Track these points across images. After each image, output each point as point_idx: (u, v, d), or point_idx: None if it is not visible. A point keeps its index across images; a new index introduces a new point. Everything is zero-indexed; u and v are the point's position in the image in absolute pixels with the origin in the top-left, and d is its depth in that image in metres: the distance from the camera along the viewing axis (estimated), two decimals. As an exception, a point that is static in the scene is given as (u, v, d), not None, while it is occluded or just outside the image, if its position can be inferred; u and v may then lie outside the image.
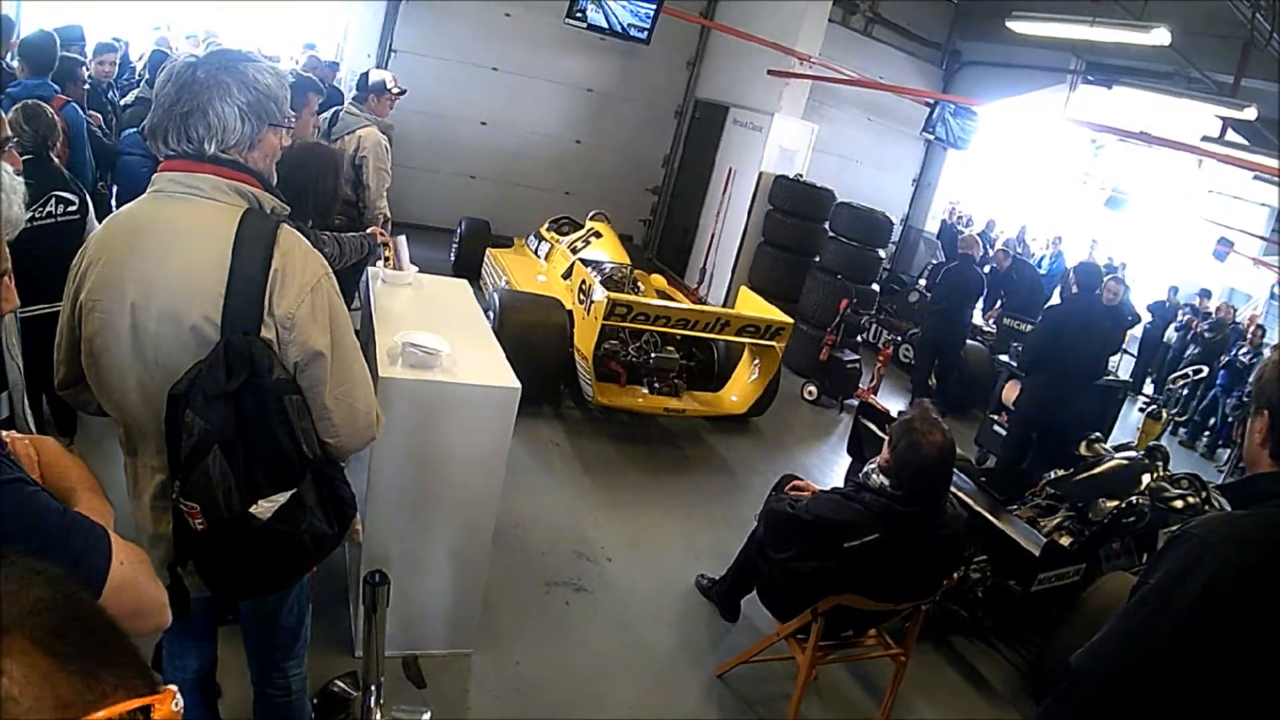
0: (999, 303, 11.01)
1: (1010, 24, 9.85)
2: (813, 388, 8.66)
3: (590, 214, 8.77)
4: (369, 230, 3.99)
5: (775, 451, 7.17)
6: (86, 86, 6.27)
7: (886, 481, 3.26)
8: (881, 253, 9.92)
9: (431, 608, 3.57)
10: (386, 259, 4.45)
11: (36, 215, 3.56)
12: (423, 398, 3.19)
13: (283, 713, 2.55)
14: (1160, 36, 8.00)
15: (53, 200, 3.64)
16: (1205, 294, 14.33)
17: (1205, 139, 8.97)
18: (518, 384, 3.38)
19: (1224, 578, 1.69)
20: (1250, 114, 8.78)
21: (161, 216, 1.91)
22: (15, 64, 5.31)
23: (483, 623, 3.83)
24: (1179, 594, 1.72)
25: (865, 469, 3.45)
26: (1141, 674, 1.77)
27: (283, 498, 1.86)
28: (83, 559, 1.34)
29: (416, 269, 4.34)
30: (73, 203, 3.69)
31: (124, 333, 1.87)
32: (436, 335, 3.32)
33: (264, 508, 1.83)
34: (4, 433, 1.45)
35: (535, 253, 8.86)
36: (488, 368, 3.46)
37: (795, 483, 4.08)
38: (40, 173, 3.74)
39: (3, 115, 2.36)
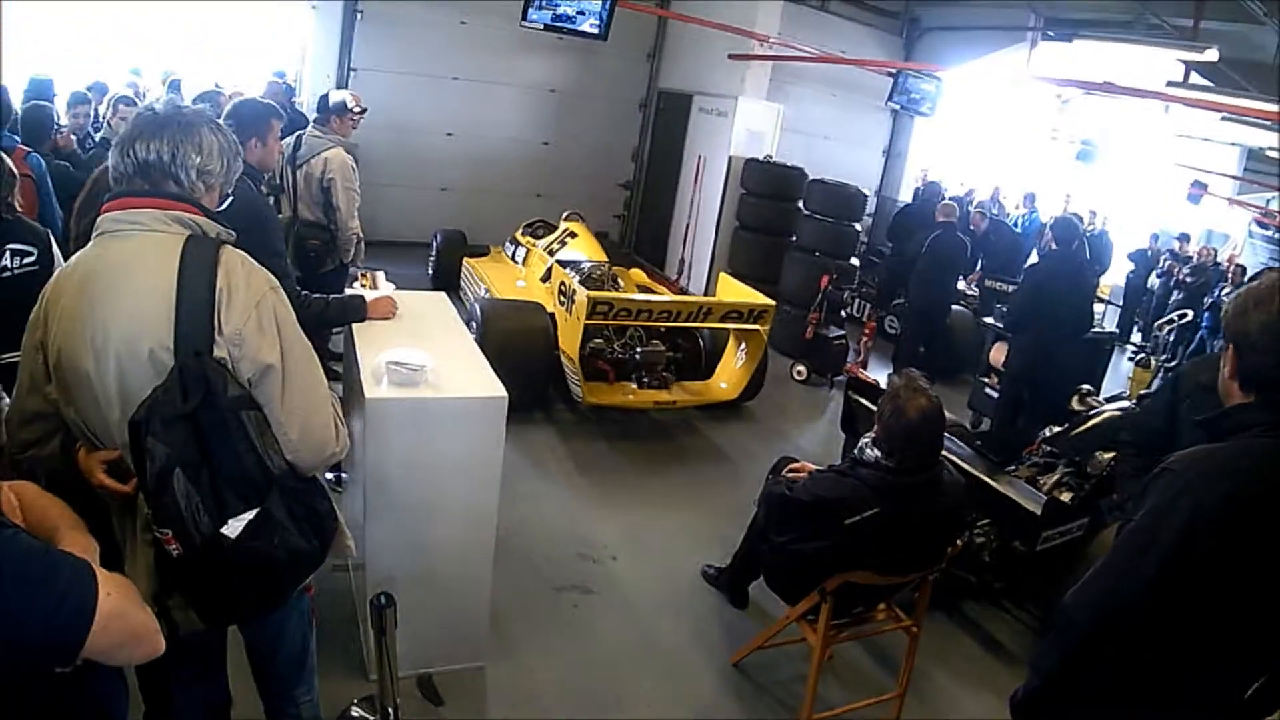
0: (979, 265, 11.03)
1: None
2: (801, 367, 8.67)
3: (564, 214, 8.75)
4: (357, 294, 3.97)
5: (770, 435, 7.17)
6: (63, 132, 6.26)
7: (880, 454, 3.26)
8: (857, 226, 9.91)
9: (441, 624, 3.54)
10: (363, 281, 4.43)
11: None
12: (411, 415, 3.17)
13: None
14: (1116, -19, 8.03)
15: (7, 254, 3.57)
16: (1184, 238, 14.40)
17: (1170, 84, 8.96)
18: (504, 392, 3.35)
19: (1205, 509, 1.73)
20: (1212, 55, 8.78)
21: (107, 256, 1.94)
22: None
23: (493, 634, 3.82)
24: (1163, 529, 1.76)
25: (859, 444, 3.44)
26: (1131, 609, 1.81)
27: (251, 515, 1.88)
28: (69, 595, 1.36)
29: (394, 286, 4.32)
30: (30, 253, 3.62)
31: (91, 375, 1.89)
32: (419, 350, 3.30)
33: (234, 526, 1.85)
34: None
35: (513, 258, 8.84)
36: (473, 379, 3.44)
37: (792, 465, 4.07)
38: None
39: None
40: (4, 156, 3.68)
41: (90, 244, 1.98)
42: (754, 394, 7.24)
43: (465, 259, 9.08)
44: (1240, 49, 9.79)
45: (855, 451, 3.43)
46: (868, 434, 3.42)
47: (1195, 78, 9.58)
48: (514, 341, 6.22)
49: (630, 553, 4.96)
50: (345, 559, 3.98)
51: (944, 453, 3.45)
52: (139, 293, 1.88)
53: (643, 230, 13.27)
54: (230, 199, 2.18)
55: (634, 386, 6.72)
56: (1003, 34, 12.34)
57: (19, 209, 3.71)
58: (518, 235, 8.99)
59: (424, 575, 3.41)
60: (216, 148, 2.05)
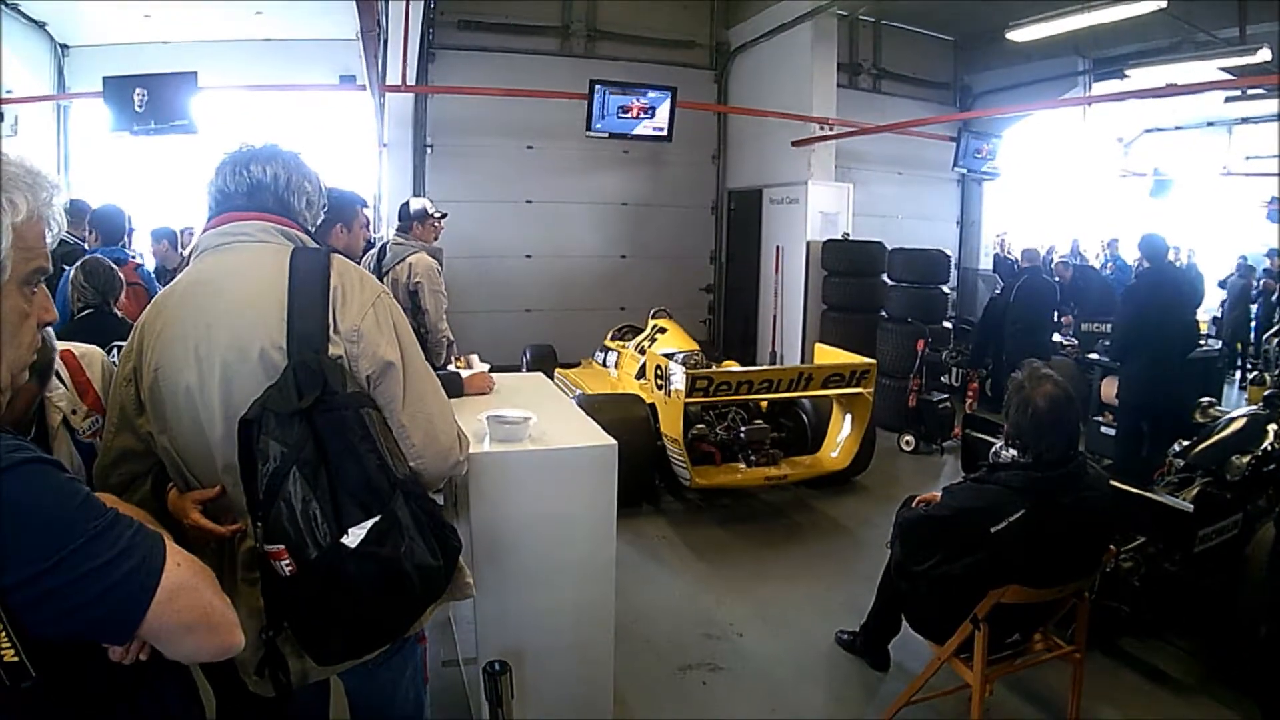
0: (1071, 315, 10.73)
1: (1010, 35, 9.77)
2: (909, 437, 8.37)
3: (651, 312, 8.72)
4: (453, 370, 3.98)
5: (886, 503, 6.78)
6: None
7: (1015, 454, 3.05)
8: (945, 289, 9.75)
9: (562, 699, 3.27)
10: (458, 364, 4.43)
11: None
12: (517, 470, 3.02)
13: None
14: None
15: (114, 350, 3.68)
16: (1273, 254, 14.16)
17: (1229, 100, 8.80)
18: (613, 441, 3.23)
19: None
20: (1264, 55, 8.67)
21: (210, 268, 1.89)
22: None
23: (619, 717, 3.58)
24: None
25: (992, 449, 3.23)
26: None
27: (374, 520, 1.67)
28: (132, 550, 1.18)
29: (489, 366, 4.29)
30: None
31: (193, 389, 1.80)
32: (520, 410, 3.20)
33: (355, 535, 1.64)
34: None
35: (604, 364, 8.79)
36: (579, 431, 3.34)
37: (921, 497, 3.84)
38: (100, 325, 3.84)
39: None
40: (112, 264, 3.85)
41: (191, 264, 1.95)
42: (864, 466, 7.01)
43: (557, 370, 9.07)
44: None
45: (990, 457, 3.21)
46: (999, 439, 3.22)
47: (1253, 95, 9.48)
48: (614, 433, 6.09)
49: (758, 628, 4.71)
50: (456, 657, 3.83)
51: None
52: (248, 295, 1.81)
53: (730, 330, 13.24)
54: None
55: (742, 466, 6.52)
56: (1055, 84, 12.34)
57: (120, 312, 3.85)
58: (607, 342, 8.97)
59: (542, 647, 3.18)
60: (319, 184, 2.05)
